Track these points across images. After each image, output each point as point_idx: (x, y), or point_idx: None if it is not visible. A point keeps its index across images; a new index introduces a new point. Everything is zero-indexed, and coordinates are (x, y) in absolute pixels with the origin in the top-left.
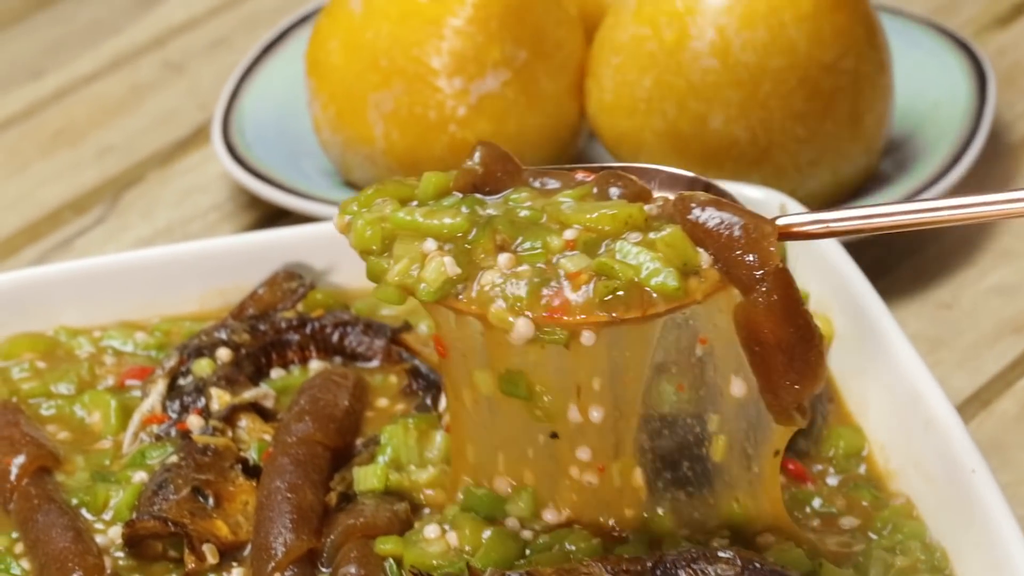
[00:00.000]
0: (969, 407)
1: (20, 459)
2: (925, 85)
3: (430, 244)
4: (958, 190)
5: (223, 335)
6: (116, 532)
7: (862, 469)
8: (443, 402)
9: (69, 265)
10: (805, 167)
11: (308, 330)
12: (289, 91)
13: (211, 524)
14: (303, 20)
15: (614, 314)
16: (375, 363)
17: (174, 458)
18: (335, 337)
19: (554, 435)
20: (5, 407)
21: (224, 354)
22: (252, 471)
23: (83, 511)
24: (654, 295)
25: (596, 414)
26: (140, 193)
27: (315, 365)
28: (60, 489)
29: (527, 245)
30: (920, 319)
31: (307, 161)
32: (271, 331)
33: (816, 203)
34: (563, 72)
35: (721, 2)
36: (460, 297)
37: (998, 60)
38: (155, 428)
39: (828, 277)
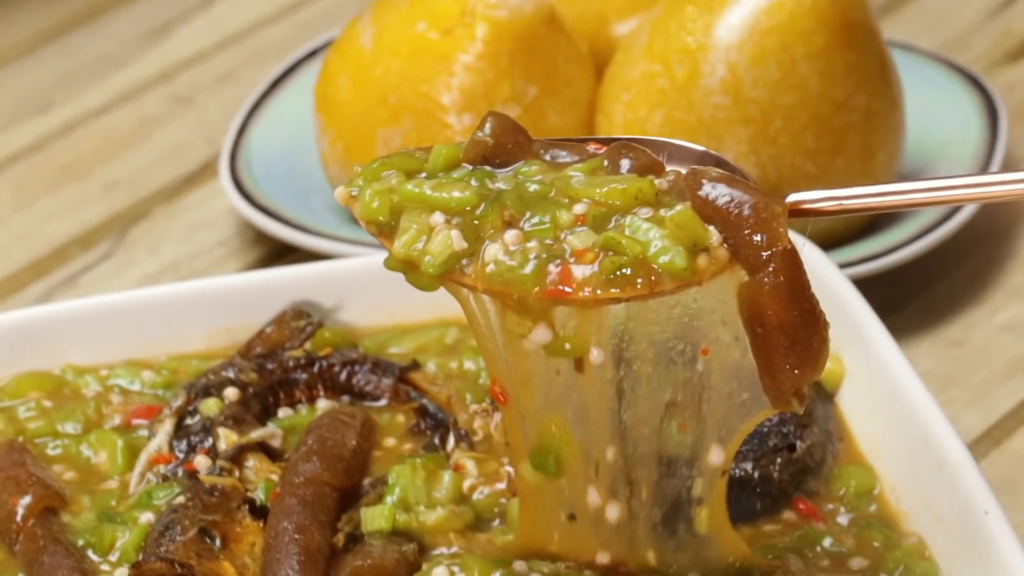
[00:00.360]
0: (980, 445)
1: (26, 499)
2: (936, 121)
3: (438, 217)
4: (969, 225)
5: (230, 374)
6: (122, 573)
7: (873, 508)
8: (451, 441)
9: (76, 303)
10: None
11: (316, 369)
12: (297, 126)
13: (218, 565)
14: (311, 54)
15: (615, 290)
16: (383, 402)
17: (181, 499)
18: (343, 376)
19: (572, 516)
20: (11, 447)
21: (231, 393)
22: (259, 512)
23: (89, 552)
24: (661, 272)
25: (613, 512)
26: (147, 228)
27: (323, 404)
28: (66, 530)
29: (535, 220)
30: (931, 357)
31: (315, 197)
32: (279, 370)
33: (826, 240)
34: (573, 108)
35: (732, 39)
36: (467, 271)
37: (1009, 95)
38: (162, 468)
39: (838, 315)
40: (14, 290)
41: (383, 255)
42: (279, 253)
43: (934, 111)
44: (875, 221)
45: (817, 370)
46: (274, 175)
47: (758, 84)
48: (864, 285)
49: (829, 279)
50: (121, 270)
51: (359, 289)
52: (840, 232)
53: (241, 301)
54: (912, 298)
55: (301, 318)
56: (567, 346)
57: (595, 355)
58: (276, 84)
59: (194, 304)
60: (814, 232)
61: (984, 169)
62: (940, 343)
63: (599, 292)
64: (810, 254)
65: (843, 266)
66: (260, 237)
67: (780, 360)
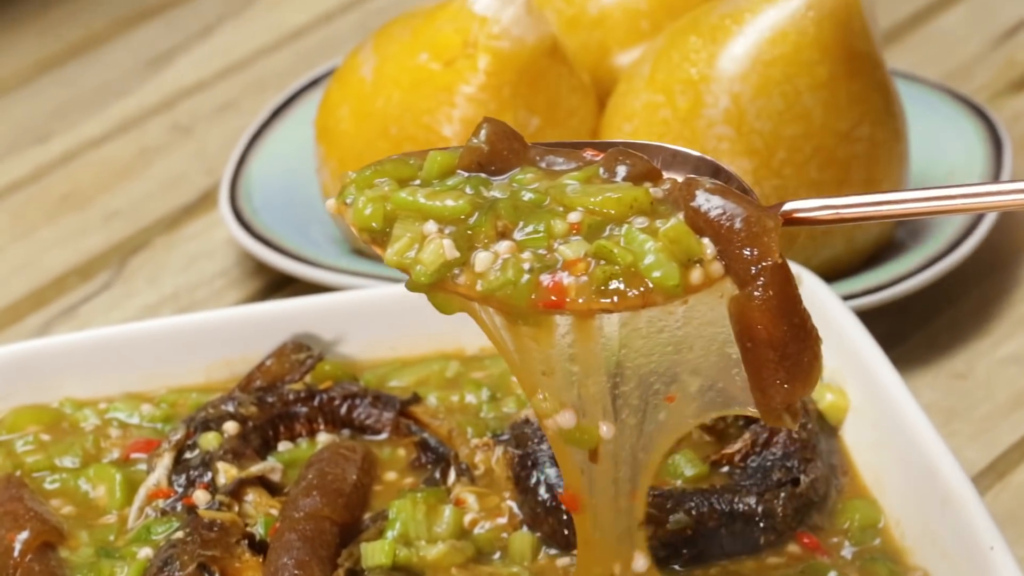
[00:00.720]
0: (984, 479)
1: (24, 535)
2: (940, 151)
3: (431, 226)
4: (973, 257)
5: (230, 408)
6: None
7: (877, 542)
8: (452, 475)
9: (74, 336)
10: (819, 235)
11: (316, 402)
12: (297, 156)
13: None
14: (312, 84)
15: (611, 300)
16: (384, 436)
17: (180, 534)
18: (343, 409)
19: None
20: (9, 481)
21: (231, 427)
22: (259, 547)
23: None
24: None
25: None
26: (146, 259)
27: (323, 438)
28: (64, 565)
29: (529, 229)
30: (934, 390)
31: (315, 228)
32: (279, 403)
33: (830, 271)
34: (575, 138)
35: (735, 70)
36: (459, 280)
37: (1013, 125)
38: (161, 503)
39: (841, 347)
40: (13, 320)
41: (384, 288)
42: (279, 284)
43: (938, 141)
44: (879, 253)
45: (808, 386)
46: (274, 205)
47: (761, 115)
48: (867, 317)
49: (832, 311)
50: (120, 301)
51: (360, 322)
52: (843, 263)
53: (241, 334)
54: (915, 330)
55: (301, 351)
56: (586, 436)
57: (604, 430)
58: (277, 114)
59: (193, 337)
60: (817, 263)
61: None
62: (944, 375)
63: (592, 302)
64: (813, 285)
65: (846, 298)
66: (260, 268)
67: (770, 375)
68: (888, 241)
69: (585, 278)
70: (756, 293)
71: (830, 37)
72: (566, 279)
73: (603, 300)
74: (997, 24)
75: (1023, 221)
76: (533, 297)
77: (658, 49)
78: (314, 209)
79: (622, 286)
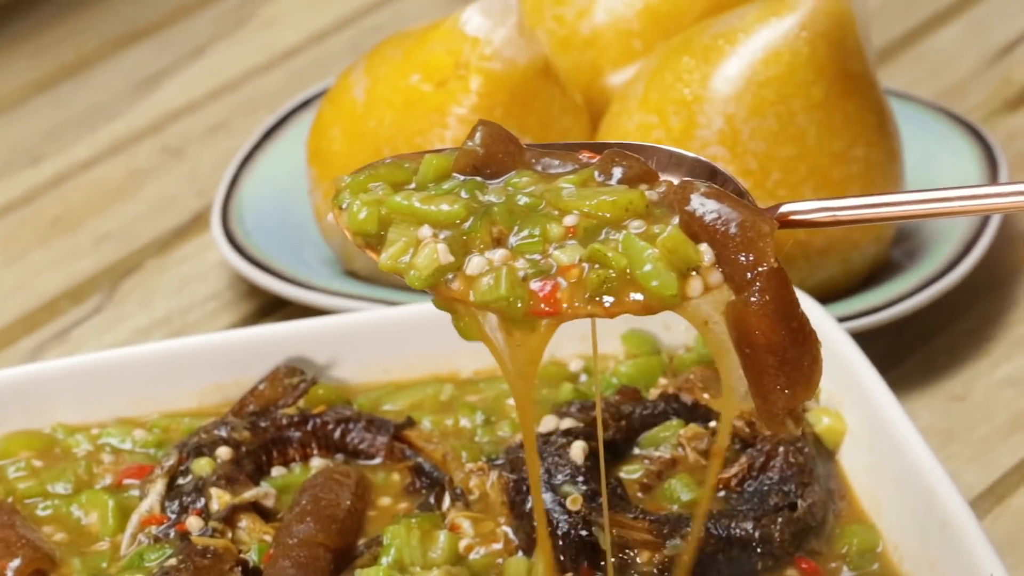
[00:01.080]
0: (983, 502)
1: (16, 563)
2: (935, 171)
3: (426, 230)
4: (970, 278)
5: (223, 432)
6: None
7: (875, 567)
8: (446, 500)
9: (66, 361)
10: (814, 256)
11: (310, 427)
12: (290, 178)
13: None
14: (304, 104)
15: (604, 305)
16: (378, 460)
17: (173, 560)
18: (337, 434)
19: None
20: (1, 508)
21: (224, 452)
22: (252, 573)
23: None
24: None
25: None
26: (138, 282)
27: (317, 462)
28: None
29: (524, 234)
30: (932, 412)
31: (308, 250)
32: (272, 428)
33: (825, 293)
34: None
35: (729, 91)
36: (453, 285)
37: (1008, 145)
38: (153, 529)
39: (838, 370)
40: (6, 344)
41: (378, 311)
42: (272, 307)
43: (933, 161)
44: (874, 274)
45: (810, 390)
46: (267, 227)
47: (756, 136)
48: (863, 339)
49: (828, 333)
50: (112, 324)
51: (353, 345)
52: (839, 285)
53: (233, 358)
54: (912, 352)
55: (294, 375)
56: None
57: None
58: (268, 135)
59: (186, 361)
60: (812, 285)
61: (985, 221)
62: (941, 397)
63: (583, 308)
64: (808, 308)
65: (842, 320)
66: (253, 290)
67: (771, 381)
68: (884, 262)
69: (579, 283)
70: (753, 298)
71: (824, 57)
72: (561, 285)
73: (591, 308)
74: (992, 42)
75: (1019, 239)
76: (531, 304)
77: (651, 69)
78: (307, 231)
79: (613, 297)
